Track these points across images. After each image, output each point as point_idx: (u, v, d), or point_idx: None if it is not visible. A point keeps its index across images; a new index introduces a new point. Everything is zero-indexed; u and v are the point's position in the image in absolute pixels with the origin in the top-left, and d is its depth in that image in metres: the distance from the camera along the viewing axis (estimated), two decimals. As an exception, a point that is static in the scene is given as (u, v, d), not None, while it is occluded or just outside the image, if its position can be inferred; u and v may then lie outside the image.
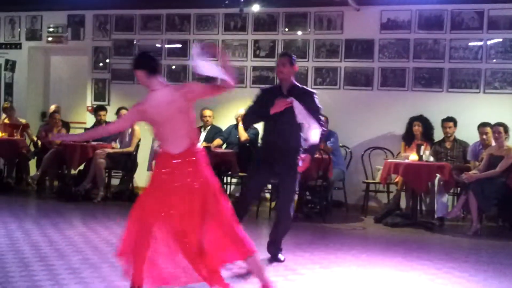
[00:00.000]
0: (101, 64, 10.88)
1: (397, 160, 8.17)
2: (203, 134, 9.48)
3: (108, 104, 10.57)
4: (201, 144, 8.96)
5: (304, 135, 5.36)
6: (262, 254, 5.63)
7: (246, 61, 10.06)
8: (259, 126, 6.19)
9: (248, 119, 5.78)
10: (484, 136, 8.16)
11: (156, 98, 4.23)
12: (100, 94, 10.84)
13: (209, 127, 9.54)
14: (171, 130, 4.19)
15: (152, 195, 4.18)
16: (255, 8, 9.65)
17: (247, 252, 4.18)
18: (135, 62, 4.34)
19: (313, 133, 5.31)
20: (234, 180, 9.47)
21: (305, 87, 5.85)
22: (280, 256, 5.62)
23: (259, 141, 6.03)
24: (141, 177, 9.50)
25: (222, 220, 4.14)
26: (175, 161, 4.14)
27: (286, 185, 5.49)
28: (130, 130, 9.38)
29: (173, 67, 10.49)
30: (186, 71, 10.39)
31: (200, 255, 4.08)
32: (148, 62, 4.33)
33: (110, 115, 9.94)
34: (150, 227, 4.10)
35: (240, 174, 8.82)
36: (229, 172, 8.98)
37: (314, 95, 5.58)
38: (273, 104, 5.30)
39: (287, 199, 5.50)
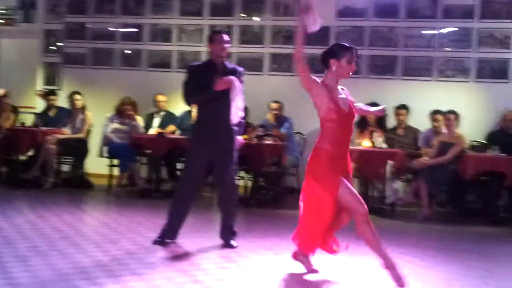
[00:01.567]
0: (52, 48, 10.62)
1: (351, 147, 8.19)
2: (157, 120, 9.36)
3: (59, 89, 10.33)
4: (154, 130, 8.86)
5: (232, 114, 5.40)
6: (215, 241, 5.63)
7: (202, 46, 9.95)
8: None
9: (193, 97, 5.57)
10: (436, 124, 8.27)
11: None
12: (51, 79, 10.59)
13: (163, 113, 9.42)
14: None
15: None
16: (212, -8, 9.56)
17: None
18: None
19: (239, 114, 5.41)
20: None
21: (234, 64, 5.83)
22: (233, 242, 5.59)
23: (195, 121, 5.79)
24: (92, 164, 9.35)
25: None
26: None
27: (228, 161, 5.49)
28: (81, 115, 9.20)
29: (127, 51, 10.31)
30: (140, 55, 10.22)
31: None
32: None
33: (61, 100, 9.73)
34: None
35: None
36: (183, 158, 8.88)
37: (242, 73, 5.63)
38: (211, 81, 5.30)
39: (230, 170, 5.51)
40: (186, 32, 10.03)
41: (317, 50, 9.23)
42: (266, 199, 8.37)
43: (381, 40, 9.32)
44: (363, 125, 8.81)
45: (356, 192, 4.51)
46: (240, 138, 5.69)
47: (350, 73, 4.51)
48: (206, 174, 8.95)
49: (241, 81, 5.49)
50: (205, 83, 5.33)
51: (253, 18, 9.81)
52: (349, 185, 4.45)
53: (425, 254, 5.67)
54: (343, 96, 4.54)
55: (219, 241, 5.63)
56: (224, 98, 5.32)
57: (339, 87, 4.56)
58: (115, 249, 5.26)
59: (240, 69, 5.66)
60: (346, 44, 4.60)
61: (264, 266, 4.98)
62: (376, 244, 4.40)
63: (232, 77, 5.37)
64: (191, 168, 5.56)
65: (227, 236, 5.62)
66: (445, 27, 9.10)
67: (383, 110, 4.93)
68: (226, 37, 5.52)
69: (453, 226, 7.34)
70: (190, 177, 5.58)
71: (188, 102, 5.74)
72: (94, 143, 9.18)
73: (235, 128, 5.51)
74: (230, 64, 5.67)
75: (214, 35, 5.55)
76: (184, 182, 5.62)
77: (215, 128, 5.42)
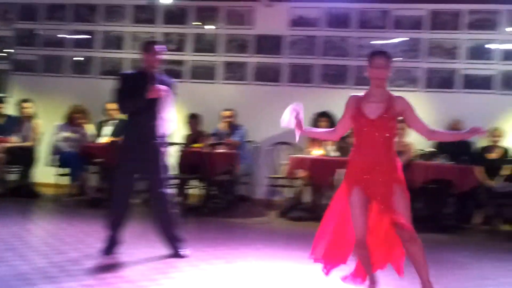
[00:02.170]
0: (1, 54, 10.40)
1: (303, 155, 8.26)
2: (108, 128, 9.24)
3: (9, 96, 10.12)
4: (105, 138, 8.75)
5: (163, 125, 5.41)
6: (166, 250, 5.57)
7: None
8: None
9: (126, 105, 5.45)
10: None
11: None
12: (0, 86, 10.36)
13: (115, 121, 9.30)
14: None
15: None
16: (166, 0, 9.51)
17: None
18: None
19: (169, 126, 5.43)
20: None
21: (165, 75, 5.72)
22: (183, 252, 5.53)
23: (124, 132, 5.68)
24: (41, 173, 9.17)
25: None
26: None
27: (156, 172, 5.44)
28: (30, 123, 9.02)
29: (78, 58, 10.17)
30: (91, 63, 10.10)
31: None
32: None
33: (10, 108, 9.53)
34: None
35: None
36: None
37: (174, 84, 5.62)
38: (142, 90, 5.28)
39: (159, 181, 5.45)
40: (139, 39, 9.95)
41: (270, 59, 9.45)
42: (219, 208, 8.35)
43: (333, 49, 9.43)
44: (315, 133, 8.88)
45: (365, 214, 4.17)
46: (165, 149, 5.55)
47: (378, 78, 4.21)
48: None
49: (174, 93, 5.49)
50: (137, 92, 5.29)
51: (207, 26, 9.81)
52: (361, 204, 4.16)
53: (375, 262, 5.72)
54: (377, 103, 4.22)
55: (169, 250, 5.57)
56: (152, 109, 5.32)
57: (380, 94, 4.24)
58: (63, 260, 5.16)
59: (172, 80, 5.64)
60: (376, 49, 4.53)
61: (215, 276, 4.96)
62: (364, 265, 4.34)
63: (165, 87, 5.37)
64: (121, 179, 5.49)
65: (174, 246, 5.57)
66: (395, 38, 9.25)
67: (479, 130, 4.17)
68: (161, 48, 5.50)
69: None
70: (121, 188, 5.51)
71: (122, 110, 5.60)
72: (44, 152, 9.01)
73: (162, 139, 5.47)
74: (162, 75, 5.60)
75: (149, 45, 5.49)
76: (116, 193, 5.55)
77: (142, 139, 5.38)
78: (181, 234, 5.63)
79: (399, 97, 4.25)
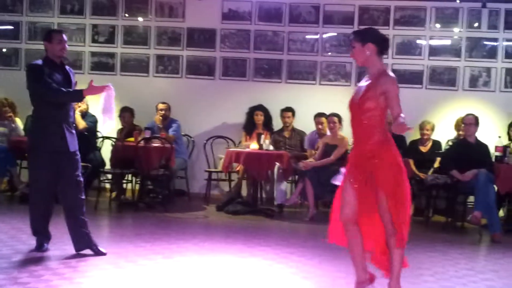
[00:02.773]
0: None
1: (238, 149, 8.28)
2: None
3: None
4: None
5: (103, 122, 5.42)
6: (103, 246, 5.45)
7: (84, 46, 9.66)
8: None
9: (56, 95, 5.20)
10: (320, 126, 8.52)
11: None
12: None
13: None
14: None
15: None
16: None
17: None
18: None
19: (110, 123, 5.44)
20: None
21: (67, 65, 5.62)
22: (102, 249, 5.36)
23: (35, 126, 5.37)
24: None
25: None
26: None
27: (71, 165, 5.32)
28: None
29: (4, 50, 9.80)
30: (18, 55, 9.75)
31: None
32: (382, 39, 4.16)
33: None
34: None
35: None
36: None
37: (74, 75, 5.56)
38: (57, 82, 5.21)
39: (73, 174, 5.32)
40: (67, 31, 9.67)
41: (204, 53, 9.39)
42: (155, 203, 8.25)
43: (266, 44, 9.47)
44: (250, 127, 8.92)
45: (351, 196, 4.10)
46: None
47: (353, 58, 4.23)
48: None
49: (75, 83, 5.43)
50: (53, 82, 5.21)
51: (138, 18, 9.64)
52: (348, 187, 4.12)
53: (312, 253, 5.82)
54: (366, 82, 4.15)
55: (106, 246, 5.46)
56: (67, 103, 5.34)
57: (371, 74, 4.18)
58: (-6, 258, 4.98)
59: (73, 71, 5.55)
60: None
61: (154, 271, 4.90)
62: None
63: (108, 85, 5.32)
64: (41, 181, 5.27)
65: (90, 243, 5.34)
66: (326, 33, 9.38)
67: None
68: (65, 37, 5.40)
69: (337, 225, 7.55)
70: (39, 182, 5.29)
71: (50, 97, 5.21)
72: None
73: (73, 131, 5.38)
74: (66, 65, 5.51)
75: (53, 34, 5.36)
76: (34, 188, 5.36)
77: (57, 131, 5.22)
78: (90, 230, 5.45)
79: (387, 75, 4.11)
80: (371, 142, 4.06)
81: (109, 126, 5.51)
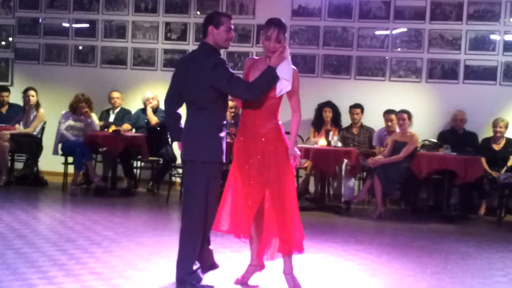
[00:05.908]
0: (3, 43, 10.38)
1: (307, 145, 8.30)
2: (112, 117, 9.28)
3: (12, 85, 10.12)
4: (110, 127, 8.75)
5: None
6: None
7: (157, 43, 9.90)
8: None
9: None
10: (389, 123, 8.45)
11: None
12: (2, 74, 10.35)
13: (118, 109, 9.35)
14: None
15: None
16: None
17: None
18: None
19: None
20: (144, 165, 9.32)
21: None
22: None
23: None
24: (46, 162, 9.21)
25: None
26: None
27: None
28: (34, 112, 9.03)
29: (80, 47, 10.16)
30: (94, 52, 10.09)
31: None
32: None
33: (14, 96, 9.53)
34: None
35: (150, 158, 8.71)
36: (139, 156, 8.83)
37: None
38: None
39: None
40: (141, 29, 9.95)
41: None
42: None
43: (335, 40, 9.45)
44: (319, 123, 8.93)
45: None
46: None
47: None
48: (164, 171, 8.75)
49: None
50: None
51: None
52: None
53: (380, 251, 5.79)
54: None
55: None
56: None
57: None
58: (72, 248, 5.20)
59: None
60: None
61: (221, 264, 4.99)
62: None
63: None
64: (215, 187, 4.41)
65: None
66: (396, 28, 9.27)
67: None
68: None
69: (406, 223, 7.50)
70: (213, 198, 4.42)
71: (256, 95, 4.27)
72: (48, 141, 9.02)
73: None
74: None
75: (223, 19, 4.36)
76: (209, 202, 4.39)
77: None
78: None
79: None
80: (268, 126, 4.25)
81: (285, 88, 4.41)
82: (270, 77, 4.16)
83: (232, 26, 4.39)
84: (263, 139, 4.24)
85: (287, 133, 4.32)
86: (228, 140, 8.09)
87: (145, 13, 9.97)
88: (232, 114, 8.84)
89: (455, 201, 8.08)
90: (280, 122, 4.33)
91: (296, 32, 9.51)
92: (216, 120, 4.30)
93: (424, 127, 8.82)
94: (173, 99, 4.49)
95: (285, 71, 4.19)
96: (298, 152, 4.33)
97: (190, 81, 4.28)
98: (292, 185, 4.29)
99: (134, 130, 9.15)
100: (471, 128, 8.69)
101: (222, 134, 4.33)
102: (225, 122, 4.39)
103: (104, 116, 9.33)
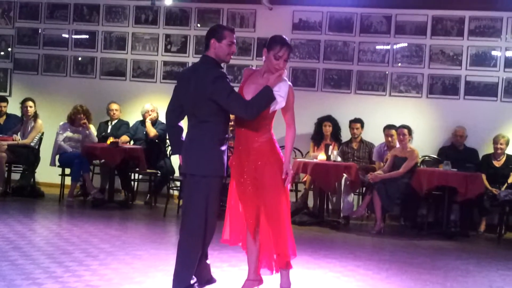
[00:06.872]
0: (2, 53, 10.36)
1: (306, 160, 8.25)
2: (109, 128, 9.25)
3: (10, 95, 10.08)
4: (109, 139, 8.70)
5: None
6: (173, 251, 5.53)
7: (157, 55, 9.89)
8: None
9: None
10: (389, 138, 8.41)
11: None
12: (1, 84, 10.32)
13: (115, 121, 9.31)
14: None
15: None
16: (167, 1, 9.49)
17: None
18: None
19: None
20: (141, 177, 9.26)
21: None
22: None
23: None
24: (43, 173, 9.15)
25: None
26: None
27: None
28: (32, 123, 8.98)
29: (80, 58, 10.14)
30: (93, 63, 10.07)
31: None
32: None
33: (12, 107, 9.49)
34: None
35: (148, 170, 8.65)
36: (137, 169, 8.76)
37: None
38: None
39: None
40: (141, 40, 9.94)
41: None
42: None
43: (335, 54, 9.43)
44: (319, 138, 8.89)
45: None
46: None
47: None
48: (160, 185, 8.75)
49: None
50: None
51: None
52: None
53: (379, 267, 5.73)
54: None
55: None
56: None
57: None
58: (68, 260, 5.14)
59: None
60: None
61: (219, 279, 4.93)
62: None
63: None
64: (215, 201, 4.39)
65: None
66: (397, 43, 9.26)
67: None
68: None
69: (406, 239, 7.44)
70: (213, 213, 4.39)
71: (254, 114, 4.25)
72: (45, 152, 8.97)
73: None
74: None
75: (226, 32, 4.32)
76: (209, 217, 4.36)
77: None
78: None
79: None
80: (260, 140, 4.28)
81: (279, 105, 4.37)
82: (267, 97, 4.17)
83: (235, 40, 4.37)
84: (256, 153, 4.25)
85: (282, 147, 4.29)
86: (229, 154, 8.12)
87: (145, 25, 9.96)
88: (231, 128, 8.79)
89: (455, 218, 8.02)
90: (274, 137, 4.34)
91: (296, 46, 9.48)
92: (217, 134, 4.26)
93: (425, 142, 8.78)
94: (174, 112, 4.47)
95: (281, 87, 4.24)
96: (291, 170, 4.30)
97: (191, 94, 4.27)
98: (285, 198, 4.29)
99: (132, 142, 9.11)
100: (471, 144, 8.66)
101: (223, 148, 4.29)
102: (227, 135, 4.35)
103: (102, 127, 9.29)
